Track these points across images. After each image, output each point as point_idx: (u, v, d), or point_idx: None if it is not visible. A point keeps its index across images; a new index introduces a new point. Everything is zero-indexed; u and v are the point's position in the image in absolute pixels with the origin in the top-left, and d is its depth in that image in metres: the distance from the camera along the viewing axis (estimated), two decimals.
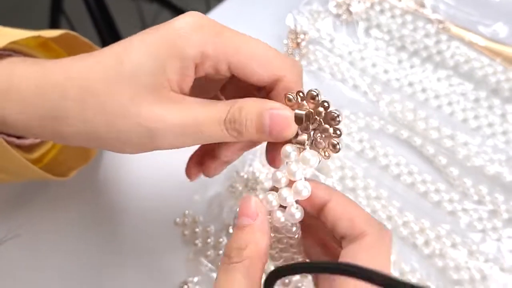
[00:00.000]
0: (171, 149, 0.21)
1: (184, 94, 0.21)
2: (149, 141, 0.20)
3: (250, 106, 0.20)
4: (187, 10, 0.22)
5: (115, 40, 0.21)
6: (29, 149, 0.28)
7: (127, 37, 0.21)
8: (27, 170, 0.25)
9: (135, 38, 0.20)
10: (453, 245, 0.31)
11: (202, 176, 0.34)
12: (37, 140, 0.28)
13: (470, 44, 0.37)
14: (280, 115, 0.20)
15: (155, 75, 0.20)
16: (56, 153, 0.30)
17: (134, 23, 1.02)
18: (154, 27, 0.21)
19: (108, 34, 0.69)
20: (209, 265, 0.30)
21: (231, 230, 0.31)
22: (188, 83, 0.21)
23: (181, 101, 0.20)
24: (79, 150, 0.31)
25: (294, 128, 0.21)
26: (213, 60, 0.21)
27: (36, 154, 0.28)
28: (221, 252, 0.30)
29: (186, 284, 0.29)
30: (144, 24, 1.04)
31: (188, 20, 0.20)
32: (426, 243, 0.31)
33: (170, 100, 0.20)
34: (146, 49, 0.20)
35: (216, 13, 0.41)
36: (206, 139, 0.21)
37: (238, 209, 0.20)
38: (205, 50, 0.20)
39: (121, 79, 0.19)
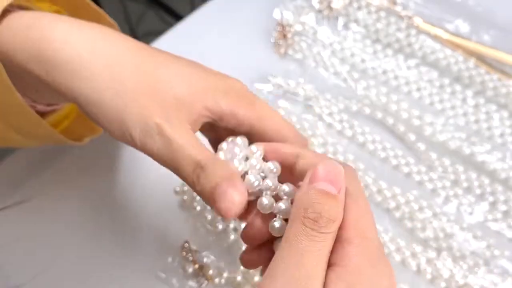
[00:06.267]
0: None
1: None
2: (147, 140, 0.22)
3: (218, 172, 0.21)
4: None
5: None
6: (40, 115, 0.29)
7: None
8: (41, 129, 0.26)
9: (178, 61, 0.23)
10: (420, 209, 0.36)
11: None
12: (49, 108, 0.29)
13: (436, 38, 0.43)
14: (234, 199, 0.20)
15: (184, 101, 0.22)
16: (68, 123, 0.32)
17: (119, 22, 1.04)
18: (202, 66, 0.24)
19: None
20: (208, 226, 0.34)
21: None
22: (195, 128, 0.23)
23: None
24: (90, 122, 0.33)
25: (237, 211, 0.20)
26: (235, 120, 0.23)
27: (48, 120, 0.29)
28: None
29: (187, 243, 0.33)
30: (129, 24, 1.06)
31: (235, 82, 0.24)
32: (397, 207, 0.36)
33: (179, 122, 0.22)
34: (187, 77, 0.23)
35: (207, 9, 0.45)
36: (176, 163, 0.22)
37: (317, 171, 0.19)
38: (236, 111, 0.23)
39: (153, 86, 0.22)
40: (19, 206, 0.34)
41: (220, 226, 0.33)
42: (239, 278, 0.33)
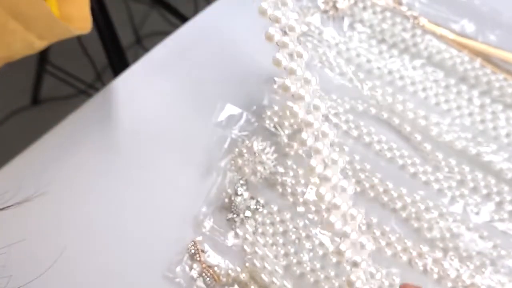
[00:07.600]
0: None
1: None
2: None
3: None
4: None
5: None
6: None
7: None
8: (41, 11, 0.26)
9: None
10: (427, 209, 0.36)
11: (209, 153, 0.38)
12: None
13: (441, 38, 0.43)
14: None
15: None
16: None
17: (122, 23, 1.05)
18: None
19: (108, 34, 0.71)
20: (215, 226, 0.34)
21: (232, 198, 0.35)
22: None
23: None
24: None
25: None
26: None
27: None
28: None
29: (194, 243, 0.33)
30: (133, 24, 1.06)
31: None
32: (404, 207, 0.36)
33: None
34: None
35: (211, 12, 0.45)
36: None
37: None
38: None
39: None
40: (23, 205, 0.35)
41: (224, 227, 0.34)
42: (246, 278, 0.33)
